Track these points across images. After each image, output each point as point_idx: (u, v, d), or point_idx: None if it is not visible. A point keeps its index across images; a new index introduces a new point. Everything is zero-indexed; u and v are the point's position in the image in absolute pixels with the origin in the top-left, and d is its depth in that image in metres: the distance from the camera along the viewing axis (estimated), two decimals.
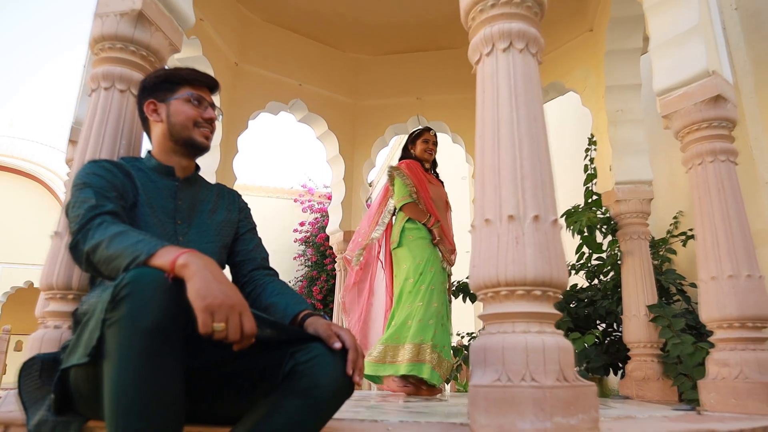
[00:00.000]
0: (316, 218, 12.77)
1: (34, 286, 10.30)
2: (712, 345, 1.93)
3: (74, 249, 1.06)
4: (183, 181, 1.37)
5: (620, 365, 3.15)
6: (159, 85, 1.34)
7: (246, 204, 1.55)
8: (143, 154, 1.46)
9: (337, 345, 1.05)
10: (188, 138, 1.33)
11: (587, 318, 3.39)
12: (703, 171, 1.97)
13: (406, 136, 3.45)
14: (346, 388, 1.02)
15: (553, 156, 4.86)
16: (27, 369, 1.18)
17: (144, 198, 1.24)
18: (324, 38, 4.26)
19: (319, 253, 12.12)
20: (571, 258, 3.60)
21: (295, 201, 13.59)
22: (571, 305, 3.58)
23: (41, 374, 1.17)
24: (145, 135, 1.44)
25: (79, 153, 1.45)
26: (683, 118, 2.03)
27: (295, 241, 12.86)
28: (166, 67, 1.44)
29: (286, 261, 12.32)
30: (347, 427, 1.10)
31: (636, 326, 2.79)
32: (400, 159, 3.28)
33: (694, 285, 3.31)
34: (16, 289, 10.28)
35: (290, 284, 5.89)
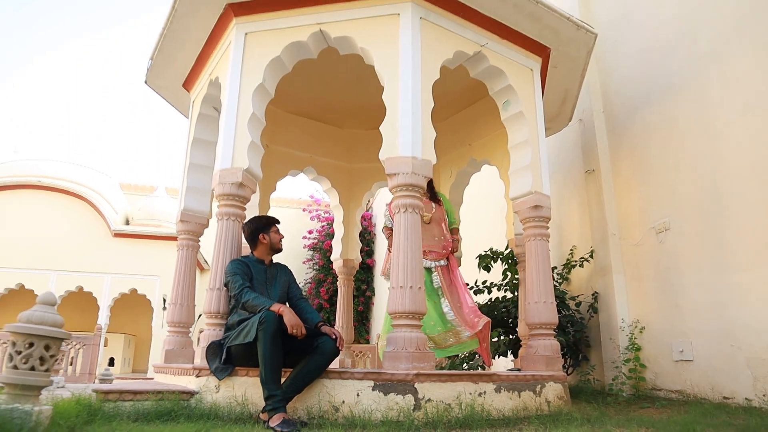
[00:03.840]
0: (323, 226, 14.49)
1: (84, 290, 12.12)
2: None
3: (236, 300, 2.84)
4: (268, 265, 3.14)
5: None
6: (265, 225, 3.14)
7: (290, 270, 3.31)
8: (243, 252, 3.25)
9: (333, 336, 2.81)
10: (278, 249, 3.17)
11: (503, 320, 5.14)
12: (530, 245, 3.71)
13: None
14: (335, 352, 2.78)
15: (497, 206, 6.69)
16: (209, 346, 2.94)
17: (254, 275, 3.01)
18: (328, 120, 5.98)
19: (325, 258, 13.82)
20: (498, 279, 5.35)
21: (303, 210, 15.34)
22: (502, 310, 5.33)
23: (215, 348, 2.93)
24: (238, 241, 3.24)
25: (215, 251, 3.20)
26: (522, 215, 3.76)
27: (303, 247, 14.62)
28: (262, 215, 3.24)
29: (295, 265, 13.99)
30: (333, 368, 2.86)
31: (523, 326, 4.51)
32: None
33: (573, 298, 5.07)
34: (69, 293, 12.09)
35: (300, 286, 7.82)
